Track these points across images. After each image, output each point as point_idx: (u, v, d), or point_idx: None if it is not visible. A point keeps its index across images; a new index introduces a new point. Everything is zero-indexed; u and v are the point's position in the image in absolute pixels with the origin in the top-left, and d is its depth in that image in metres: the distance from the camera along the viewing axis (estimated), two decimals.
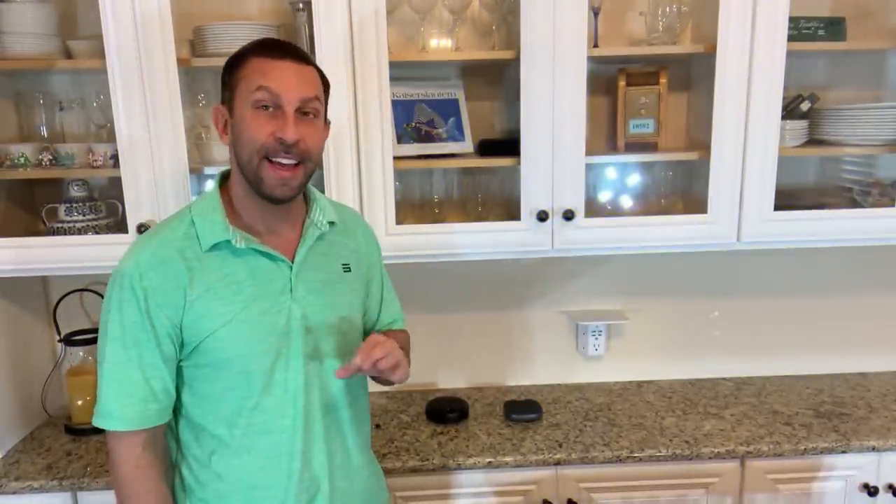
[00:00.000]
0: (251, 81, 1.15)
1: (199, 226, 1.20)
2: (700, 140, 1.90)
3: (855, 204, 1.97)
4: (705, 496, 1.81)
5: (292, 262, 1.24)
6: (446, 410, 1.95)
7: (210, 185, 1.30)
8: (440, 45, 1.95)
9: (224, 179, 1.28)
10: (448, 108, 1.92)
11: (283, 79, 1.15)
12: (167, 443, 1.28)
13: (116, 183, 1.75)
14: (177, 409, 1.24)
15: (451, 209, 2.02)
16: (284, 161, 1.16)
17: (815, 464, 1.80)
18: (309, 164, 1.20)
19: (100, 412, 1.18)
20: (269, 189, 1.17)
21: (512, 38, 1.84)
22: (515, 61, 1.74)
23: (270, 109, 1.15)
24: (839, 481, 1.81)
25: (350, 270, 1.34)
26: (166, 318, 1.16)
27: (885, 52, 2.01)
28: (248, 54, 1.18)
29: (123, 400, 1.17)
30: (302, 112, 1.17)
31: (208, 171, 1.81)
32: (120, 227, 1.84)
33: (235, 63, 1.19)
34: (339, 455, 1.29)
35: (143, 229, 1.71)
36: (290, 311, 1.22)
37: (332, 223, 1.31)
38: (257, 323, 1.19)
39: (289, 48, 1.19)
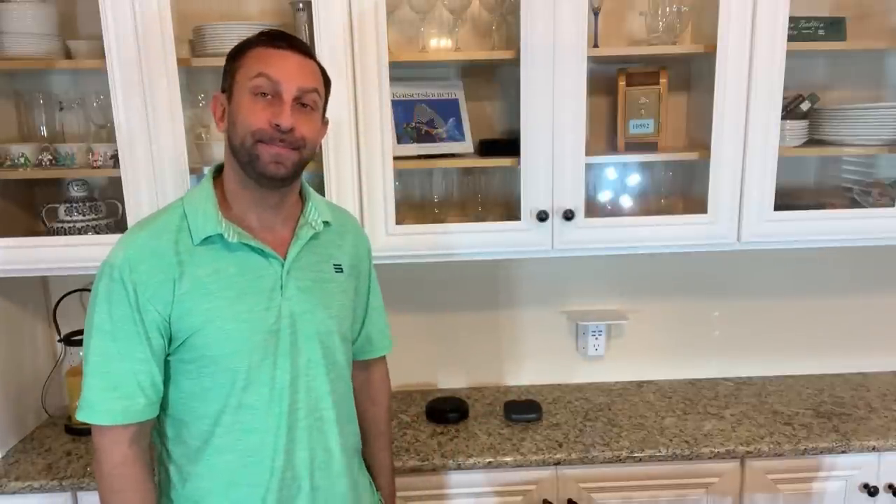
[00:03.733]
0: (251, 68, 1.15)
1: (190, 218, 1.19)
2: (700, 140, 1.90)
3: (855, 204, 1.97)
4: (705, 496, 1.81)
5: (284, 260, 1.23)
6: (446, 410, 1.95)
7: (202, 179, 1.28)
8: (440, 45, 1.95)
9: (217, 173, 1.26)
10: (448, 108, 1.92)
11: (283, 67, 1.15)
12: (152, 438, 1.26)
13: (116, 183, 1.76)
14: (162, 405, 1.22)
15: (450, 209, 2.02)
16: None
17: (815, 464, 1.80)
18: (304, 152, 1.19)
19: (84, 405, 1.15)
20: (263, 165, 1.15)
21: (512, 38, 1.84)
22: (515, 61, 1.74)
23: (268, 97, 1.15)
24: (839, 481, 1.82)
25: (342, 271, 1.33)
26: (156, 311, 1.14)
27: (885, 52, 2.01)
28: (252, 44, 1.18)
29: (109, 393, 1.14)
30: (300, 103, 1.17)
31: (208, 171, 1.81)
32: (120, 227, 1.85)
33: (238, 52, 1.19)
34: (321, 455, 1.27)
35: None
36: (280, 310, 1.21)
37: (326, 223, 1.30)
38: (245, 321, 1.18)
39: (292, 40, 1.20)
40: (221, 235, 1.17)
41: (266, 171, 1.16)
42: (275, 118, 1.14)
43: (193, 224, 1.18)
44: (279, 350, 1.21)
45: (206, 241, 1.18)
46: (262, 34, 1.20)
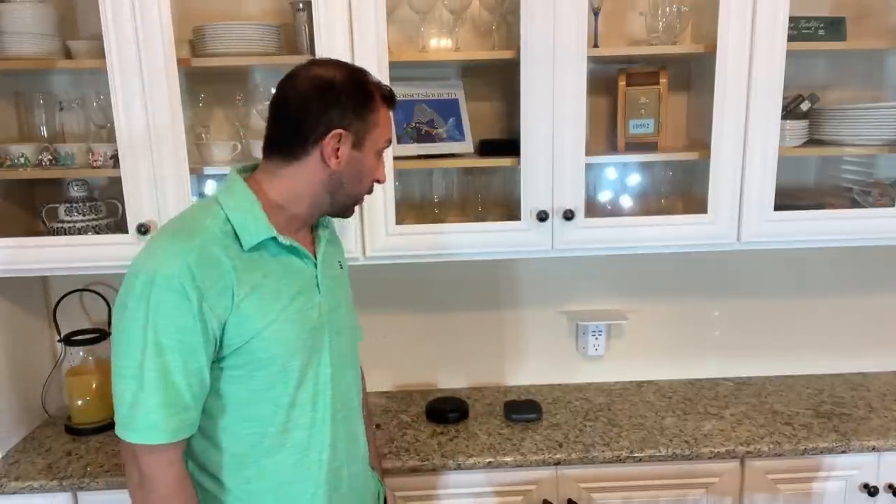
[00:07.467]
0: (383, 133, 1.25)
1: (237, 223, 1.17)
2: (700, 140, 1.90)
3: (855, 204, 1.97)
4: (705, 496, 1.81)
5: (315, 260, 1.28)
6: (446, 410, 1.95)
7: (226, 180, 1.25)
8: (440, 45, 1.95)
9: (241, 172, 1.25)
10: (448, 108, 1.92)
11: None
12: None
13: (116, 183, 1.75)
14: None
15: (450, 209, 2.02)
16: None
17: (815, 464, 1.80)
18: None
19: (138, 426, 1.09)
20: (349, 214, 1.31)
21: (512, 38, 1.84)
22: (515, 61, 1.74)
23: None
24: (839, 481, 1.82)
25: (343, 268, 1.41)
26: (216, 319, 1.12)
27: (885, 52, 2.01)
28: (381, 103, 1.24)
29: (169, 409, 1.09)
30: None
31: (208, 171, 1.81)
32: (120, 227, 1.84)
33: (370, 104, 1.22)
34: (353, 442, 1.35)
35: (143, 229, 1.71)
36: (320, 307, 1.26)
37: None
38: (296, 321, 1.20)
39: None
40: (270, 240, 1.19)
41: (347, 214, 1.31)
42: (380, 176, 1.29)
43: (243, 229, 1.17)
44: (322, 346, 1.26)
45: (254, 245, 1.19)
46: (388, 94, 1.26)
